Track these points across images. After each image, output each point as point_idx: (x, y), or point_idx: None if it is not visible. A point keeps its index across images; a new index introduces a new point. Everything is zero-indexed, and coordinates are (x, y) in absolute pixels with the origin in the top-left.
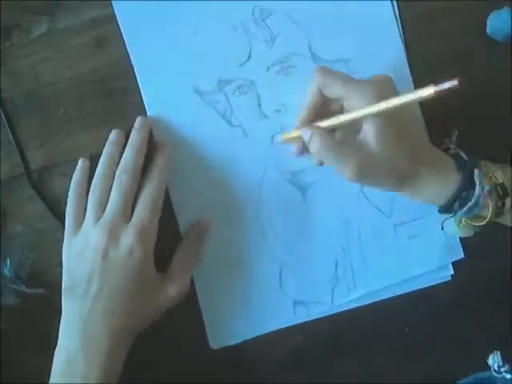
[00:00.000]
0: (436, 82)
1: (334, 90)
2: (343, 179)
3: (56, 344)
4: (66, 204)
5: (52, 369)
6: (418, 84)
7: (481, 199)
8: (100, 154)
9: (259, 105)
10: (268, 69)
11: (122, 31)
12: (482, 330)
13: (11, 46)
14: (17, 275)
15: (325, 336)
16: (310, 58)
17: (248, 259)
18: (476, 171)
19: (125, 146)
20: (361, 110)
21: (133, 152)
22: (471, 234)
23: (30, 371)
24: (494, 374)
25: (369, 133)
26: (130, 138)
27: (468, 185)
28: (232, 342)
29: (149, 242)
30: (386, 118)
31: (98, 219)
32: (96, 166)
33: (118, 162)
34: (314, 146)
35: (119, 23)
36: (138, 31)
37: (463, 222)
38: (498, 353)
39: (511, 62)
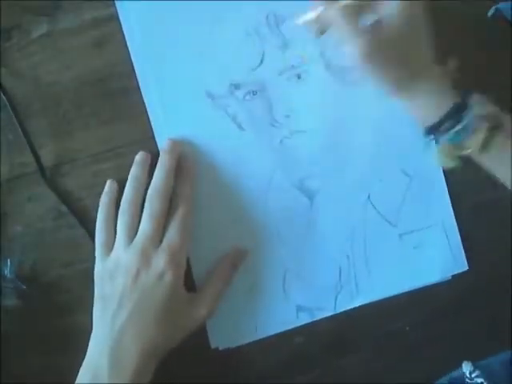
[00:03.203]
0: None
1: None
2: (351, 186)
3: (54, 346)
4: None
5: (78, 379)
6: None
7: (473, 122)
8: (100, 154)
9: (269, 110)
10: (280, 74)
11: (126, 37)
12: (483, 329)
13: (11, 47)
14: (17, 276)
15: (325, 335)
16: (322, 65)
17: (252, 263)
18: (473, 96)
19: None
20: None
21: (163, 175)
22: (451, 165)
23: (30, 371)
24: (467, 380)
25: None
26: (160, 160)
27: (462, 106)
28: (233, 345)
29: (180, 266)
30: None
31: (129, 242)
32: (98, 164)
33: (145, 184)
34: (331, 15)
35: (123, 27)
36: (142, 34)
37: (446, 149)
38: (470, 362)
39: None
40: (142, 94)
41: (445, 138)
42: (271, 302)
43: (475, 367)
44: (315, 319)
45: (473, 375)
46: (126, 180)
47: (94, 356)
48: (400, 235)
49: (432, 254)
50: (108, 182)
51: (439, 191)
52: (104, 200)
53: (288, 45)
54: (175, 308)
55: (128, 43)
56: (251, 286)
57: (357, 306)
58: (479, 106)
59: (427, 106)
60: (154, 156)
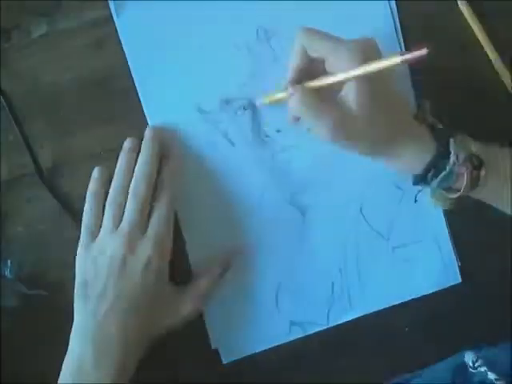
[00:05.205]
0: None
1: (320, 50)
2: (343, 200)
3: (55, 346)
4: (67, 204)
5: (61, 377)
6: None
7: (455, 167)
8: (99, 155)
9: (261, 125)
10: (270, 89)
11: (125, 50)
12: (483, 329)
13: (11, 48)
14: (17, 276)
15: (325, 336)
16: None
17: (245, 277)
18: (452, 140)
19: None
20: (344, 73)
21: (147, 161)
22: (446, 207)
23: (30, 372)
24: (471, 370)
25: (349, 93)
26: (143, 148)
27: (444, 154)
28: (227, 360)
29: (165, 254)
30: (368, 81)
31: (114, 229)
32: (97, 165)
33: (133, 171)
34: (293, 102)
35: (122, 41)
36: (141, 50)
37: (438, 194)
38: (471, 352)
39: None
40: (143, 107)
41: (433, 186)
42: (264, 317)
43: (478, 357)
44: (308, 333)
45: (476, 364)
46: None
47: (78, 346)
48: (393, 248)
49: (425, 267)
50: (96, 169)
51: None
52: (92, 187)
53: (279, 59)
54: (160, 297)
55: (125, 50)
56: (244, 300)
57: (350, 319)
58: (460, 149)
59: (409, 160)
60: None
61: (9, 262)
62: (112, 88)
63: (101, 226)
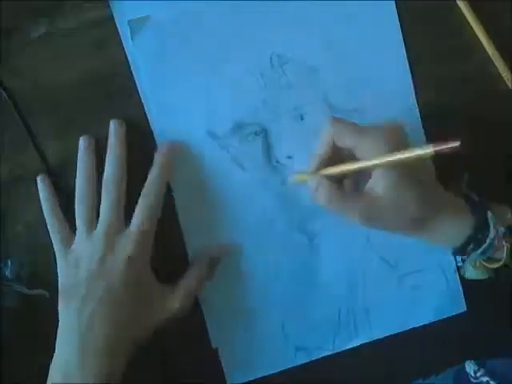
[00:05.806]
0: (436, 142)
1: (347, 141)
2: (351, 228)
3: (55, 346)
4: (67, 204)
5: (48, 380)
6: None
7: (495, 241)
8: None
9: (272, 151)
10: (282, 115)
11: (136, 74)
12: (483, 329)
13: (11, 47)
14: (17, 276)
15: None
16: (325, 107)
17: (252, 302)
18: (489, 213)
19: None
20: (370, 160)
21: (115, 158)
22: (486, 276)
23: (30, 371)
24: (472, 380)
25: (377, 181)
26: (109, 144)
27: (482, 227)
28: (231, 382)
29: (147, 251)
30: (394, 166)
31: (90, 232)
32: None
33: (94, 169)
34: (320, 198)
35: (132, 63)
36: (153, 73)
37: (478, 263)
38: (472, 361)
39: None
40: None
41: (473, 256)
42: (270, 341)
43: (479, 366)
44: (313, 359)
45: (477, 374)
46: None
47: (63, 351)
48: (399, 276)
49: (430, 295)
50: (39, 178)
51: None
52: (44, 195)
53: (291, 86)
54: (146, 295)
55: (135, 75)
56: (250, 324)
57: (355, 345)
58: (499, 221)
59: (446, 235)
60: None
61: (9, 261)
62: (112, 88)
63: (70, 229)
